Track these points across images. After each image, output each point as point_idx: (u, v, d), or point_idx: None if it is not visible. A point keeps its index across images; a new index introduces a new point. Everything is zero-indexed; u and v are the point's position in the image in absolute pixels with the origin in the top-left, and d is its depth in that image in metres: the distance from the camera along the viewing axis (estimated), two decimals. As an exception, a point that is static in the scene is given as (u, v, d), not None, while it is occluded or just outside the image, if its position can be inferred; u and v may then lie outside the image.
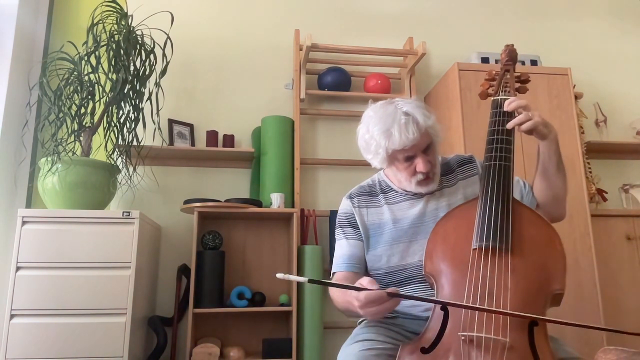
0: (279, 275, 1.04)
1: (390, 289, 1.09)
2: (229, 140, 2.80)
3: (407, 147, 1.29)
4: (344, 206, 1.48)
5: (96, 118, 2.35)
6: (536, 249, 1.17)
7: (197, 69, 2.97)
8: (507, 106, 1.31)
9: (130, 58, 2.34)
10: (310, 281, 1.08)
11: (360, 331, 1.28)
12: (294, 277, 1.07)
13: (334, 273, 1.43)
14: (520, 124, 1.27)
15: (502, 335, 1.05)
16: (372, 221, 1.43)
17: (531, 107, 1.29)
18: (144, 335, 2.40)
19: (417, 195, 1.41)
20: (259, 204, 2.58)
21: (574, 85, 2.84)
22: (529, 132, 1.29)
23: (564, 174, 1.36)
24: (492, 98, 1.41)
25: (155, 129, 2.40)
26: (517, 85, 1.44)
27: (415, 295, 1.30)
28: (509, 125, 1.29)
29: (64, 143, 2.23)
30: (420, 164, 1.31)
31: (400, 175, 1.37)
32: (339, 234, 1.47)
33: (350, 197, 1.48)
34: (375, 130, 1.31)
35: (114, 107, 2.37)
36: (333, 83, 2.93)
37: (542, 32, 3.42)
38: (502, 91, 1.40)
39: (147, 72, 2.43)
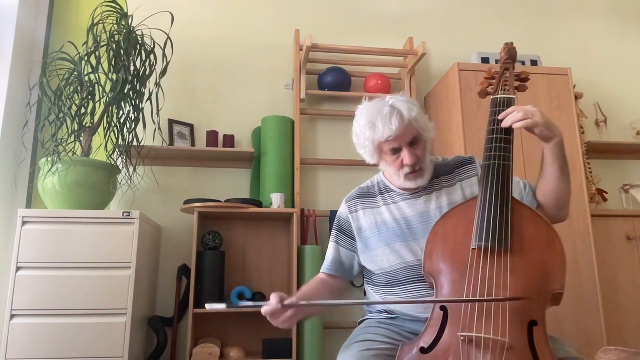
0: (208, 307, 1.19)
1: (288, 300, 1.17)
2: (229, 140, 2.80)
3: (390, 137, 1.31)
4: (342, 210, 1.52)
5: (96, 118, 2.35)
6: (535, 248, 1.17)
7: (197, 69, 2.97)
8: (504, 123, 1.28)
9: (130, 58, 2.34)
10: (228, 306, 1.26)
11: (360, 331, 1.29)
12: (215, 306, 1.21)
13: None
14: (517, 121, 1.25)
15: (501, 335, 1.05)
16: (369, 222, 1.44)
17: (531, 112, 1.24)
18: (144, 335, 2.40)
19: (416, 195, 1.41)
20: (259, 204, 2.58)
21: (574, 85, 2.84)
22: (530, 130, 1.29)
23: (568, 179, 1.33)
24: (492, 97, 1.40)
25: (155, 129, 2.40)
26: (517, 83, 1.43)
27: (408, 297, 1.32)
28: (502, 119, 1.28)
29: (64, 143, 2.23)
30: (406, 157, 1.33)
31: (390, 169, 1.39)
32: (333, 234, 1.51)
33: (347, 201, 1.51)
34: (362, 123, 1.35)
35: (114, 107, 2.36)
36: (333, 83, 2.93)
37: (542, 32, 3.41)
38: (501, 90, 1.39)
39: (147, 72, 2.42)
